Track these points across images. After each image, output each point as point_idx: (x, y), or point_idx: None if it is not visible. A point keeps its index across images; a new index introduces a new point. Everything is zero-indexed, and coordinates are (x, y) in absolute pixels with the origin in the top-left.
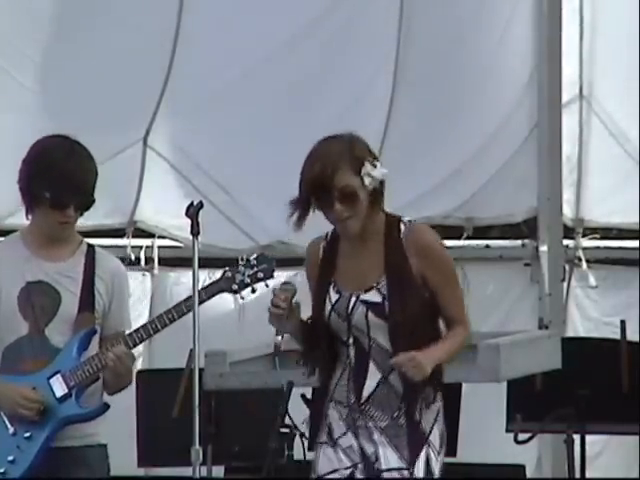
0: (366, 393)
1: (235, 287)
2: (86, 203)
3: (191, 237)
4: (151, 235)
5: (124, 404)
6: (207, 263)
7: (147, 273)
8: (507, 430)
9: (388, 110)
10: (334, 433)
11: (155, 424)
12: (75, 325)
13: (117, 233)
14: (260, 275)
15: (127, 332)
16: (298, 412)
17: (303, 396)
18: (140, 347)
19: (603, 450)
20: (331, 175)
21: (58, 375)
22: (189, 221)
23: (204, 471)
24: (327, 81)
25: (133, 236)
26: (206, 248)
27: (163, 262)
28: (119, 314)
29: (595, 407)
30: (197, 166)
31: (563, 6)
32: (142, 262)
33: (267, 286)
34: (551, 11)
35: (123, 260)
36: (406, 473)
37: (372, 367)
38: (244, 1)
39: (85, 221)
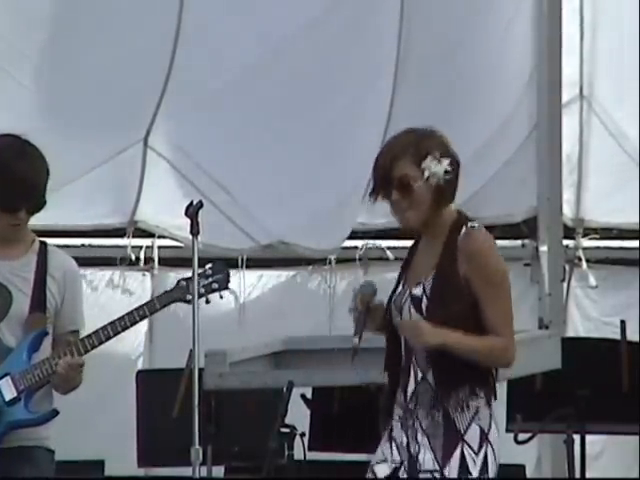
0: (410, 391)
1: (189, 297)
2: (37, 205)
3: (191, 237)
4: (151, 235)
5: (124, 404)
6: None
7: (147, 273)
8: (507, 430)
9: (388, 110)
10: (393, 431)
11: (155, 424)
12: (26, 325)
13: (117, 233)
14: (215, 286)
15: (79, 337)
16: (298, 412)
17: (303, 396)
18: (140, 347)
19: (603, 450)
20: (390, 164)
21: (8, 378)
22: (189, 221)
23: (204, 471)
24: (327, 81)
25: (133, 236)
26: (206, 248)
27: (163, 262)
28: (71, 313)
29: (595, 407)
30: (197, 166)
31: (563, 6)
32: (142, 262)
33: (221, 297)
34: (551, 11)
35: (123, 260)
36: (437, 475)
37: (414, 364)
38: (244, 1)
39: (85, 221)
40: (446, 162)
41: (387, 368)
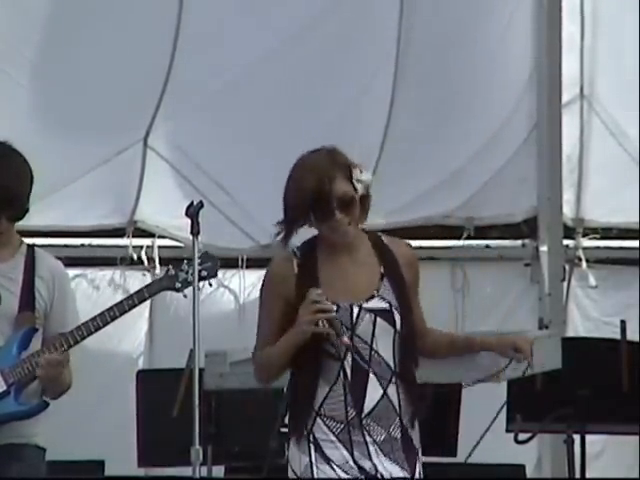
0: (367, 407)
1: (178, 285)
2: (19, 213)
3: (191, 237)
4: (151, 235)
5: (124, 404)
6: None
7: (147, 273)
8: (507, 430)
9: (388, 110)
10: (324, 450)
11: (155, 424)
12: (16, 323)
13: (117, 233)
14: (204, 274)
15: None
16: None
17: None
18: (141, 347)
19: (603, 450)
20: (329, 185)
21: None
22: (189, 221)
23: (204, 471)
24: (327, 81)
25: (133, 236)
26: (206, 248)
27: (163, 262)
28: (61, 315)
29: (595, 407)
30: (197, 166)
31: (563, 5)
32: (146, 262)
33: (210, 285)
34: (551, 10)
35: (123, 260)
36: None
37: (372, 379)
38: (244, 2)
39: (86, 221)
40: (364, 170)
41: (306, 381)
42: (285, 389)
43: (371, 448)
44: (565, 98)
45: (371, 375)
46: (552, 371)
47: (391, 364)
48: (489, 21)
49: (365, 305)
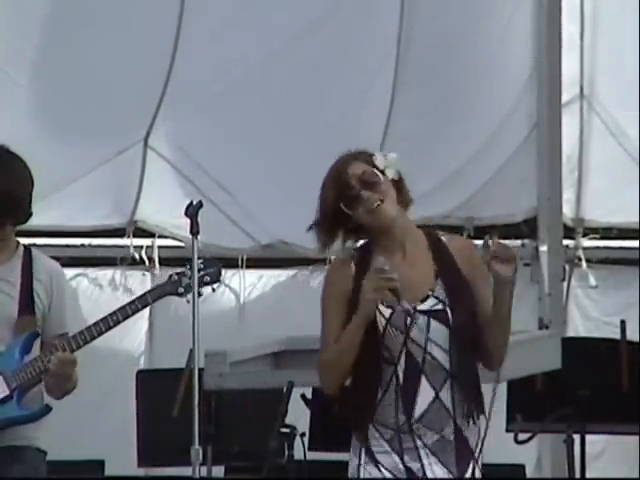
0: (418, 412)
1: (181, 290)
2: (23, 218)
3: (191, 237)
4: (151, 235)
5: (124, 404)
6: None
7: (147, 272)
8: (507, 430)
9: (388, 110)
10: (375, 456)
11: (155, 424)
12: (16, 328)
13: (117, 233)
14: (207, 279)
15: (71, 334)
16: (298, 412)
17: (303, 396)
18: (141, 347)
19: (604, 450)
20: (346, 169)
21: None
22: (189, 221)
23: (204, 471)
24: (328, 82)
25: (134, 236)
26: (206, 247)
27: (164, 262)
28: (59, 316)
29: (595, 407)
30: (198, 166)
31: (563, 4)
32: (146, 262)
33: (213, 290)
34: (551, 9)
35: (124, 260)
36: None
37: (424, 384)
38: (245, 2)
39: (86, 221)
40: (391, 159)
41: (365, 386)
42: (285, 389)
43: (422, 452)
44: (565, 98)
45: (423, 379)
46: (552, 371)
47: (446, 365)
48: (489, 21)
49: (419, 307)
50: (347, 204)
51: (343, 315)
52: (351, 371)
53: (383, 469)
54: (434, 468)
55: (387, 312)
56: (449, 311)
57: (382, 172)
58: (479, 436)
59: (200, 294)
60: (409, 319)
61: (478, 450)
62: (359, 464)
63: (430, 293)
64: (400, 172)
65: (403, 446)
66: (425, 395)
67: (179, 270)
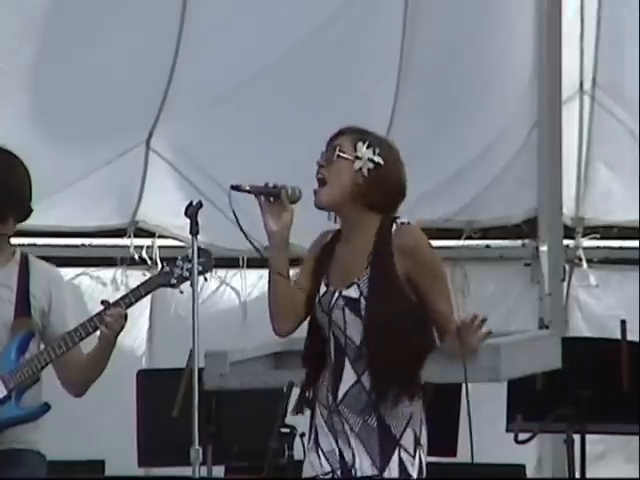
0: (341, 393)
1: (174, 281)
2: (25, 213)
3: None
4: (152, 235)
5: (124, 404)
6: None
7: (148, 272)
8: (507, 430)
9: (391, 112)
10: (318, 437)
11: (155, 424)
12: (12, 330)
13: (118, 233)
14: (199, 268)
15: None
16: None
17: (307, 398)
18: (141, 347)
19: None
20: (332, 139)
21: None
22: (189, 221)
23: (204, 471)
24: (329, 83)
25: (134, 236)
26: (207, 248)
27: (164, 262)
28: (61, 316)
29: (595, 407)
30: (199, 168)
31: (563, 5)
32: (147, 262)
33: (206, 280)
34: (551, 10)
35: (124, 260)
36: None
37: (347, 366)
38: (247, 3)
39: (88, 222)
40: (377, 157)
41: (307, 365)
42: (285, 389)
43: (351, 438)
44: (565, 97)
45: (346, 361)
46: (552, 371)
47: (363, 351)
48: (492, 24)
49: (343, 292)
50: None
51: (307, 272)
52: (284, 315)
53: (321, 454)
54: (362, 462)
55: (322, 291)
56: (363, 302)
57: (356, 158)
58: (406, 421)
59: (192, 284)
60: (333, 301)
61: (405, 435)
62: (307, 448)
63: (355, 281)
64: (370, 168)
65: (335, 427)
66: (348, 377)
67: (170, 262)
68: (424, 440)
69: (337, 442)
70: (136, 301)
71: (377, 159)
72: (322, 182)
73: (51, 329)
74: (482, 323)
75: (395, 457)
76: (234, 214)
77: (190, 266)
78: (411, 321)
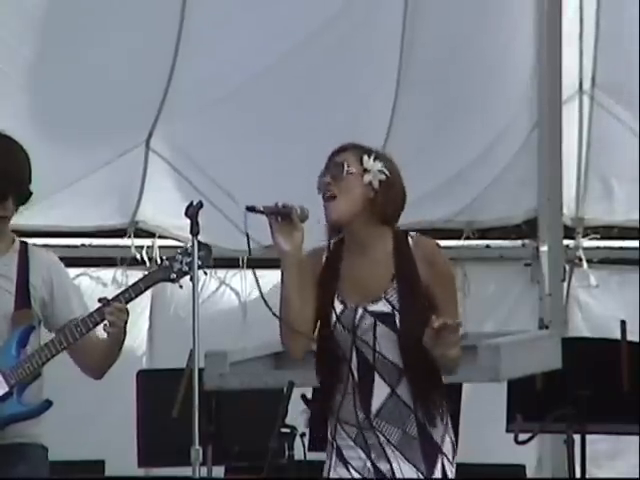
0: (375, 408)
1: (173, 276)
2: (24, 194)
3: (191, 237)
4: (152, 235)
5: (124, 404)
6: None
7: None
8: (507, 430)
9: (391, 113)
10: (343, 453)
11: (155, 424)
12: (12, 322)
13: (118, 233)
14: (198, 263)
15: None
16: (298, 412)
17: (303, 396)
18: (141, 347)
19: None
20: (334, 155)
21: None
22: (189, 221)
23: (204, 471)
24: (329, 85)
25: (134, 236)
26: None
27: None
28: (66, 303)
29: (595, 407)
30: (199, 168)
31: (564, 5)
32: (147, 262)
33: (205, 274)
34: (551, 10)
35: (124, 260)
36: None
37: (378, 380)
38: (247, 4)
39: (88, 222)
40: (385, 169)
41: (324, 384)
42: (285, 389)
43: (387, 449)
44: (565, 97)
45: (377, 376)
46: (552, 371)
47: (398, 364)
48: (493, 25)
49: (369, 308)
50: (319, 189)
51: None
52: (296, 336)
53: (352, 469)
54: (403, 468)
55: (339, 308)
56: (397, 316)
57: (364, 171)
58: (444, 428)
59: (191, 278)
60: (358, 317)
61: (445, 442)
62: (330, 466)
63: (383, 295)
64: (381, 180)
65: (368, 442)
66: (380, 391)
67: (170, 256)
68: (454, 447)
69: (369, 456)
70: (136, 296)
71: (385, 171)
72: (331, 198)
73: (56, 317)
74: (456, 328)
75: (439, 465)
76: (247, 237)
77: (190, 260)
78: (424, 327)
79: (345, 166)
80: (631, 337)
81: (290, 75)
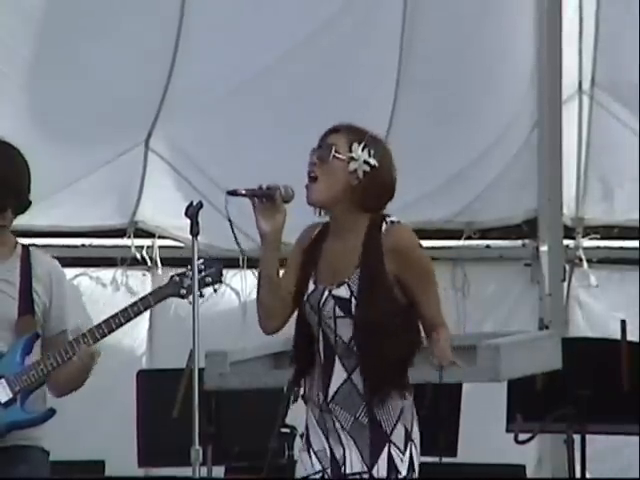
0: (331, 391)
1: (183, 292)
2: (23, 204)
3: (191, 237)
4: (152, 235)
5: (125, 404)
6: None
7: (147, 273)
8: (507, 430)
9: (391, 112)
10: (310, 436)
11: (155, 424)
12: (16, 329)
13: (117, 233)
14: (208, 280)
15: (77, 334)
16: (298, 412)
17: (303, 396)
18: (142, 347)
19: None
20: (326, 135)
21: (2, 380)
22: (189, 221)
23: (204, 471)
24: (329, 85)
25: (134, 236)
26: (206, 248)
27: (165, 262)
28: (60, 313)
29: (595, 407)
30: (198, 168)
31: (564, 5)
32: (147, 262)
33: (215, 291)
34: (551, 10)
35: (124, 260)
36: (366, 477)
37: (337, 364)
38: (246, 4)
39: (87, 222)
40: (372, 159)
41: (296, 363)
42: (285, 389)
43: (342, 435)
44: (564, 97)
45: (337, 359)
46: (552, 371)
47: (354, 350)
48: (493, 24)
49: (333, 291)
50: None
51: (294, 267)
52: (273, 315)
53: (313, 454)
54: (353, 458)
55: (311, 288)
56: (354, 302)
57: (351, 159)
58: (397, 416)
59: (202, 295)
60: (323, 299)
61: (395, 431)
62: (301, 446)
63: (346, 280)
64: (365, 170)
65: (327, 425)
66: (338, 375)
67: (180, 271)
68: (416, 436)
69: (328, 441)
70: (145, 310)
71: (373, 162)
72: (314, 179)
73: (49, 324)
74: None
75: (384, 454)
76: (229, 221)
77: (200, 277)
78: (400, 320)
79: (333, 150)
80: (631, 337)
81: (290, 75)
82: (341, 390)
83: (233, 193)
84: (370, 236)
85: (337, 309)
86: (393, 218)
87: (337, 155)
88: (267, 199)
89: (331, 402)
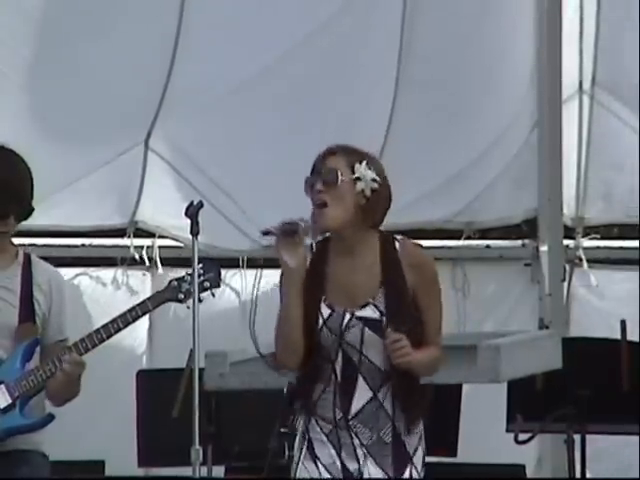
0: (354, 409)
1: (181, 296)
2: (26, 211)
3: (191, 237)
4: (151, 235)
5: (124, 404)
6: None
7: (147, 273)
8: (507, 430)
9: (390, 113)
10: (315, 449)
11: (155, 424)
12: (16, 336)
13: (117, 233)
14: (206, 284)
15: (74, 340)
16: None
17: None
18: (141, 347)
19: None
20: (324, 156)
21: (2, 386)
22: (189, 221)
23: (204, 471)
24: (328, 85)
25: (134, 236)
26: (206, 248)
27: (164, 262)
28: (58, 322)
29: (595, 407)
30: (198, 168)
31: (564, 4)
32: (146, 262)
33: (213, 295)
34: (551, 10)
35: (124, 260)
36: None
37: (361, 383)
38: (246, 4)
39: (87, 222)
40: (378, 177)
41: (306, 382)
42: (285, 389)
43: (359, 451)
44: (565, 97)
45: (360, 378)
46: (552, 371)
47: (383, 369)
48: (493, 24)
49: (357, 313)
50: (306, 191)
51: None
52: (298, 349)
53: (320, 465)
54: (371, 470)
55: (326, 313)
56: (385, 322)
57: (357, 179)
58: (418, 440)
59: (200, 300)
60: (345, 322)
61: (417, 454)
62: (299, 458)
63: (370, 301)
64: (373, 188)
65: (341, 441)
66: (362, 394)
67: (178, 276)
68: (424, 463)
69: (340, 454)
70: (143, 314)
71: (379, 179)
72: (323, 205)
73: (47, 332)
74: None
75: (407, 474)
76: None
77: (199, 281)
78: (412, 334)
79: (339, 174)
80: (631, 337)
81: (289, 75)
82: (366, 408)
83: (267, 233)
84: (388, 255)
85: (367, 330)
86: (400, 236)
87: (343, 178)
88: (290, 234)
89: (353, 419)
